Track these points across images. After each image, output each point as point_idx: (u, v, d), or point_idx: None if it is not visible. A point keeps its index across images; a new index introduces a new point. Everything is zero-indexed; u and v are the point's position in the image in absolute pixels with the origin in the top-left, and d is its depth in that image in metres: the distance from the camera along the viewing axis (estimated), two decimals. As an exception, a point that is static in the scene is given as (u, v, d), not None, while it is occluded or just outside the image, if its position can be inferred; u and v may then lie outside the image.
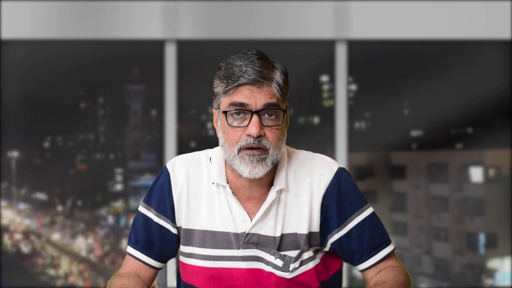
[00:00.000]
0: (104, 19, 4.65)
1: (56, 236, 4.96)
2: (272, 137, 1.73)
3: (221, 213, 1.81)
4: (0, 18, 4.59)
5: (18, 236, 4.90)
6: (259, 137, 1.72)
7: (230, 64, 1.74)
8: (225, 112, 1.74)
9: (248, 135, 1.72)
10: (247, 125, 1.72)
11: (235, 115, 1.73)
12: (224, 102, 1.74)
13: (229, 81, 1.72)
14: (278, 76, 1.74)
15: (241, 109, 1.72)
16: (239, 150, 1.73)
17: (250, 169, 1.73)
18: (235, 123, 1.73)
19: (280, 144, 1.75)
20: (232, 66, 1.73)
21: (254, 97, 1.71)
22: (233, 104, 1.72)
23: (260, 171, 1.73)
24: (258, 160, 1.72)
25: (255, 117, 1.71)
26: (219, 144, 1.79)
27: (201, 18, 4.68)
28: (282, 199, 1.80)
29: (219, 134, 1.78)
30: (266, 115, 1.73)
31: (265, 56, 1.76)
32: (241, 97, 1.72)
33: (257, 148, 1.72)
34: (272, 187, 1.79)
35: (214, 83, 1.77)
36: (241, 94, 1.72)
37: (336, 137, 4.70)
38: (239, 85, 1.72)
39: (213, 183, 1.81)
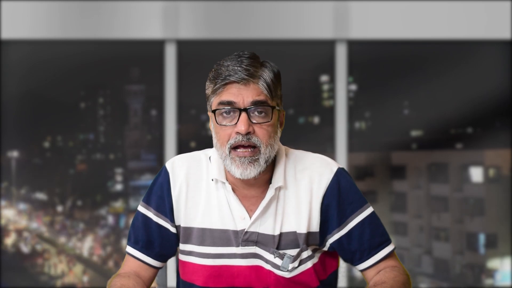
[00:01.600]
0: (104, 19, 4.64)
1: (55, 237, 4.95)
2: (262, 134, 1.74)
3: (220, 211, 1.81)
4: (0, 18, 4.59)
5: (14, 236, 4.90)
6: (248, 134, 1.72)
7: (219, 65, 1.76)
8: (214, 112, 1.75)
9: (237, 132, 1.72)
10: (236, 123, 1.72)
11: (224, 114, 1.74)
12: (214, 102, 1.76)
13: (217, 81, 1.74)
14: (266, 74, 1.75)
15: (230, 107, 1.73)
16: (230, 150, 1.73)
17: (242, 171, 1.74)
18: (224, 122, 1.74)
19: (272, 142, 1.76)
20: (221, 67, 1.75)
21: (242, 95, 1.73)
22: (221, 103, 1.74)
23: (251, 172, 1.74)
24: (249, 162, 1.73)
25: (243, 115, 1.72)
26: (213, 145, 1.80)
27: (201, 18, 4.68)
28: (281, 197, 1.80)
29: (213, 136, 1.79)
30: (256, 113, 1.74)
31: (255, 56, 1.77)
32: (228, 96, 1.73)
33: (247, 146, 1.73)
34: (271, 185, 1.79)
35: (206, 85, 1.79)
36: (228, 93, 1.73)
37: (336, 137, 4.70)
38: (226, 83, 1.73)
39: (212, 180, 1.82)
